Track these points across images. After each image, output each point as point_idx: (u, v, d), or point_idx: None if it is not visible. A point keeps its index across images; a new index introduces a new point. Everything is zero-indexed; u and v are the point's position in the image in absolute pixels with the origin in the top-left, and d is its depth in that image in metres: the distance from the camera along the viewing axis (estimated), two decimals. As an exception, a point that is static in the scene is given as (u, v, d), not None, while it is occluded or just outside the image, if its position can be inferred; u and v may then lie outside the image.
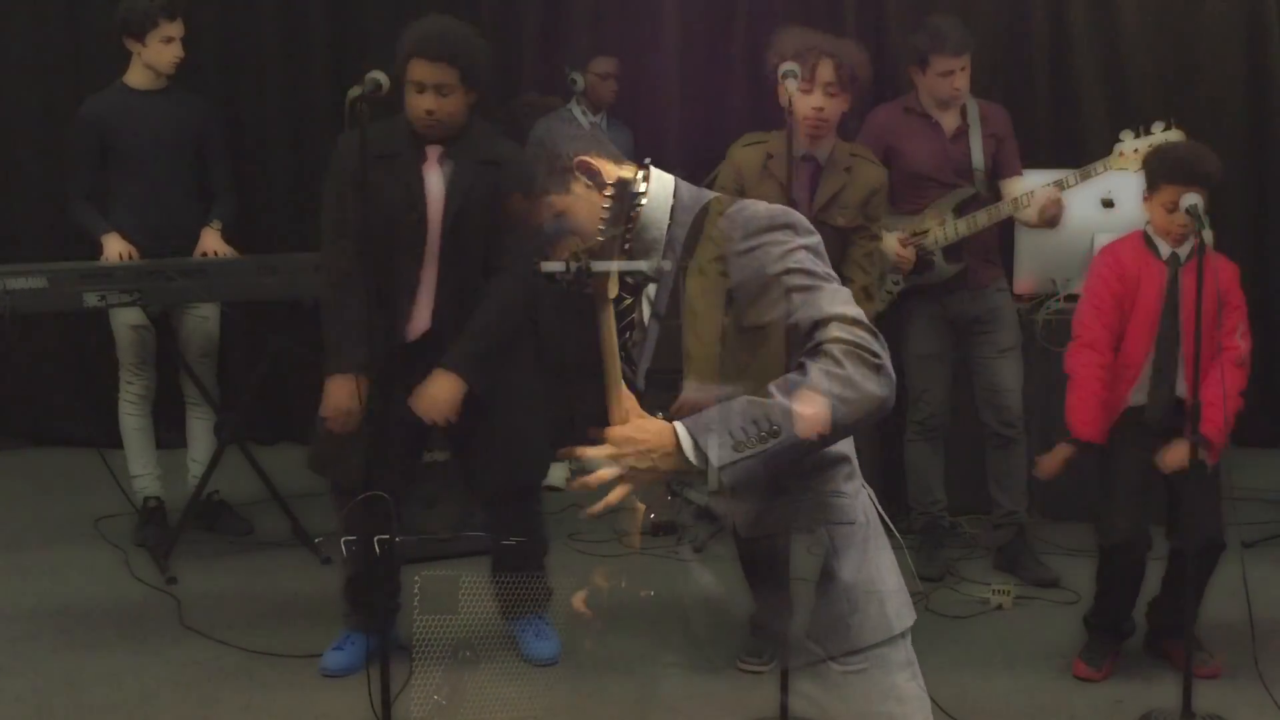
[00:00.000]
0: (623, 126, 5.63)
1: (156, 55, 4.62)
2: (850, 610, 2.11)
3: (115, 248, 4.57)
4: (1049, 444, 4.88)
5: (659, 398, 2.07)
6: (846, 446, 2.14)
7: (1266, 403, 5.76)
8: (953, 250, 4.41)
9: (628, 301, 2.15)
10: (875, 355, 1.94)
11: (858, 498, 2.16)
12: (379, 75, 3.28)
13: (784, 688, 2.84)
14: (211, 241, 4.71)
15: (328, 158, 3.77)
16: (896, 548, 2.20)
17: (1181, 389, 3.60)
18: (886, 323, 4.24)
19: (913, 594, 2.20)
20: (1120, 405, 3.69)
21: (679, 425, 1.94)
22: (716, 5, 5.97)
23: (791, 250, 2.02)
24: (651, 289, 2.15)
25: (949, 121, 4.48)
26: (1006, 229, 4.93)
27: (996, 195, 4.49)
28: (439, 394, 3.53)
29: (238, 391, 4.96)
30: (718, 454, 1.89)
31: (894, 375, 1.96)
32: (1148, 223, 3.70)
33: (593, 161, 2.14)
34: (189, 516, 4.73)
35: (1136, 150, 4.22)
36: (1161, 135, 4.17)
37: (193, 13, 5.11)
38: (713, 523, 2.10)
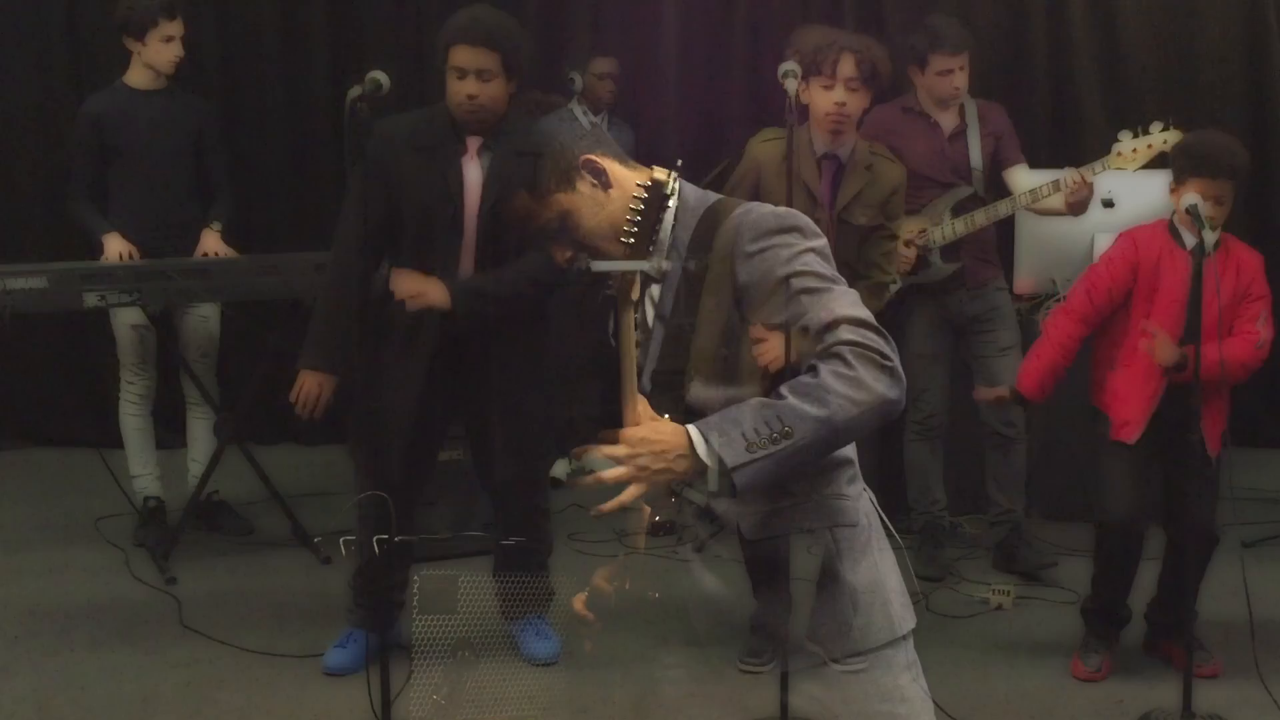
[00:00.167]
0: (624, 126, 5.63)
1: (156, 55, 4.62)
2: (855, 612, 2.11)
3: (115, 247, 4.57)
4: (1049, 444, 4.92)
5: (664, 399, 2.07)
6: (849, 449, 2.14)
7: (1266, 403, 5.76)
8: (949, 249, 4.42)
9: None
10: (886, 357, 1.95)
11: (860, 500, 2.17)
12: (379, 75, 3.28)
13: (784, 688, 2.85)
14: (212, 243, 4.72)
15: (328, 159, 3.77)
16: (896, 549, 2.21)
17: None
18: (885, 322, 4.23)
19: (911, 595, 2.21)
20: (1156, 396, 3.65)
21: (692, 427, 1.94)
22: (716, 5, 5.97)
23: (800, 253, 2.03)
24: (655, 290, 2.15)
25: (948, 121, 4.48)
26: (1006, 228, 4.93)
27: (995, 195, 4.49)
28: (423, 287, 3.54)
29: (238, 391, 4.96)
30: (731, 455, 1.89)
31: (904, 377, 1.97)
32: (1173, 214, 3.68)
33: (599, 161, 2.14)
34: (189, 516, 4.73)
35: (1135, 150, 4.22)
36: (1160, 135, 4.18)
37: (193, 13, 5.12)
38: (713, 523, 2.10)
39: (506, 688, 3.26)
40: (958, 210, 4.41)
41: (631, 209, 2.10)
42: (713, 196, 2.18)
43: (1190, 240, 3.62)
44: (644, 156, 2.28)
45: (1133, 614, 3.81)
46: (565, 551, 4.67)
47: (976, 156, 4.47)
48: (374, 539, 3.19)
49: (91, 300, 4.28)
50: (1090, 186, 4.26)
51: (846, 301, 2.00)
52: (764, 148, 3.91)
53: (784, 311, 2.01)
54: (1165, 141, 4.20)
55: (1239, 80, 5.80)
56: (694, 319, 2.10)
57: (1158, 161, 4.30)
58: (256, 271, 4.48)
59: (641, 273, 1.98)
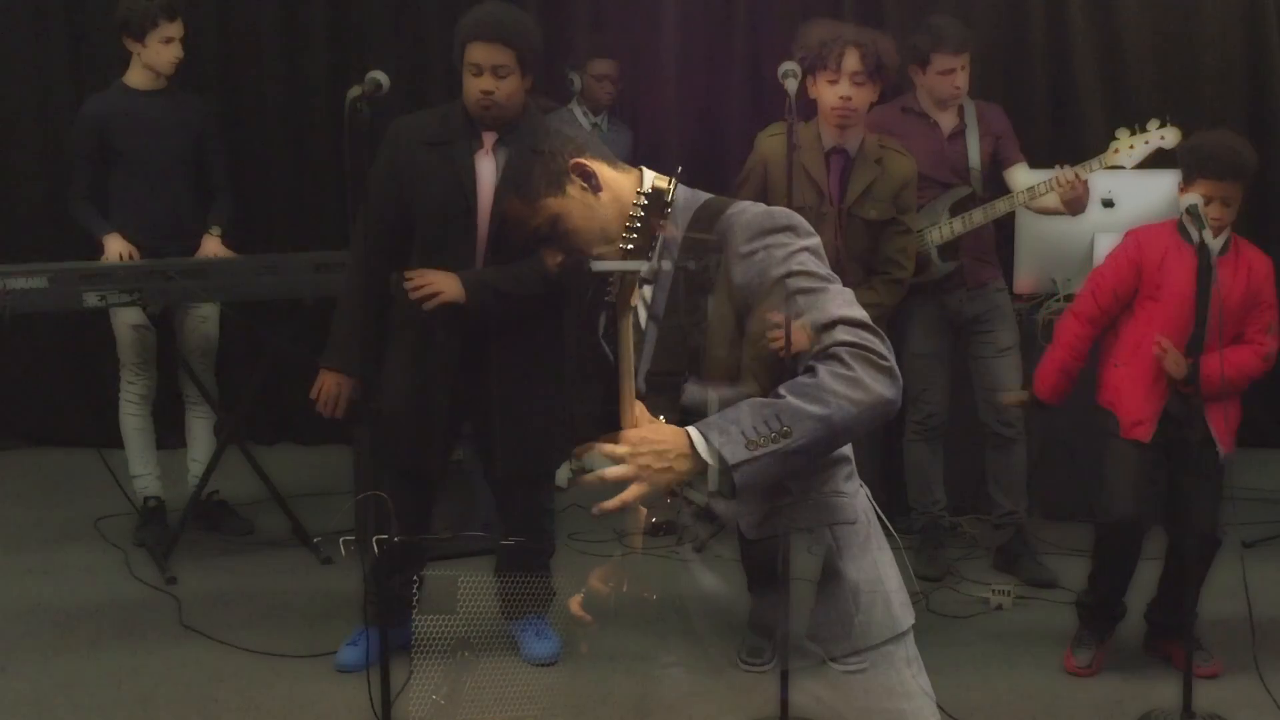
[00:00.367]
0: (623, 127, 5.63)
1: (156, 55, 4.62)
2: (856, 609, 2.12)
3: (115, 248, 4.57)
4: (1049, 444, 4.92)
5: (659, 400, 2.07)
6: (846, 447, 2.14)
7: (1266, 403, 5.76)
8: (948, 249, 4.42)
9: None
10: (883, 357, 1.96)
11: (857, 497, 2.18)
12: (379, 75, 3.28)
13: (784, 686, 2.85)
14: (212, 247, 4.72)
15: (328, 159, 3.78)
16: (894, 547, 2.21)
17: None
18: (885, 322, 4.24)
19: (911, 594, 2.21)
20: (1164, 395, 3.64)
21: (691, 427, 1.95)
22: (717, 5, 5.97)
23: (794, 252, 2.03)
24: (648, 291, 2.15)
25: (947, 121, 4.48)
26: (1006, 228, 4.93)
27: (993, 194, 4.48)
28: (438, 279, 3.55)
29: (238, 391, 4.96)
30: (732, 453, 1.90)
31: (901, 377, 1.98)
32: (1181, 213, 3.67)
33: (589, 164, 2.14)
34: (189, 516, 4.73)
35: (1132, 147, 4.22)
36: (1157, 133, 4.18)
37: (193, 13, 5.12)
38: (713, 522, 2.10)
39: (506, 688, 3.26)
40: (956, 210, 4.41)
41: (631, 215, 2.11)
42: (703, 196, 2.18)
43: (1197, 238, 3.61)
44: (644, 157, 2.28)
45: (1127, 610, 3.81)
46: (566, 551, 4.67)
47: (975, 156, 4.47)
48: (383, 538, 3.19)
49: (91, 300, 4.28)
50: (1085, 184, 4.26)
51: (842, 301, 2.01)
52: (770, 142, 3.92)
53: (780, 311, 2.02)
54: (1163, 139, 4.20)
55: (1239, 79, 5.80)
56: (688, 319, 2.10)
57: (1158, 161, 4.30)
58: (256, 271, 4.48)
59: (653, 270, 1.98)
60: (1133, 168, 4.30)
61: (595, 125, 5.45)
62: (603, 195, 2.14)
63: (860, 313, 2.00)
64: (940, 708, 2.89)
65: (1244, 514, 4.07)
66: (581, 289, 2.02)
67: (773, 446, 1.90)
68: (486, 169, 3.60)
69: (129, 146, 4.66)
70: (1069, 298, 4.87)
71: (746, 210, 2.09)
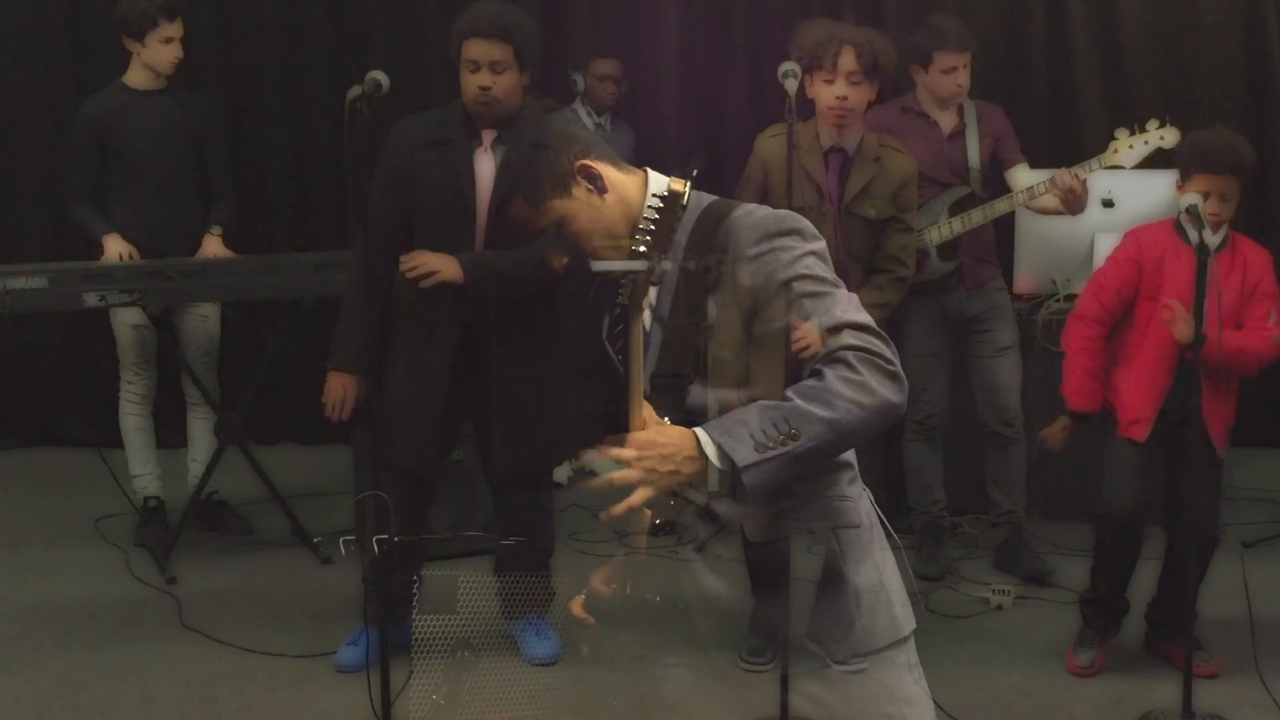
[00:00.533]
0: (626, 128, 5.63)
1: (155, 55, 4.62)
2: (858, 613, 2.12)
3: (115, 248, 4.57)
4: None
5: (663, 401, 2.07)
6: (849, 452, 2.14)
7: (1266, 403, 5.76)
8: (947, 248, 4.42)
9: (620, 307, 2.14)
10: (889, 361, 1.96)
11: (860, 501, 2.17)
12: (379, 75, 3.28)
13: (784, 688, 2.84)
14: (213, 247, 4.72)
15: (328, 159, 3.78)
16: (895, 550, 2.21)
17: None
18: (887, 322, 4.24)
19: (911, 595, 2.21)
20: (1163, 393, 3.65)
21: (700, 430, 1.95)
22: (718, 5, 5.97)
23: (801, 256, 2.04)
24: (652, 292, 2.15)
25: (946, 121, 4.48)
26: (1006, 228, 4.93)
27: (993, 194, 4.49)
28: (437, 261, 3.55)
29: (238, 391, 4.96)
30: (741, 456, 1.90)
31: (906, 381, 1.98)
32: (1180, 212, 3.67)
33: (594, 165, 2.14)
34: (189, 516, 4.73)
35: (1131, 147, 4.22)
36: (1156, 133, 4.18)
37: (193, 13, 5.12)
38: (713, 523, 2.10)
39: (506, 687, 3.26)
40: (955, 210, 4.41)
41: (645, 217, 2.10)
42: (708, 198, 2.18)
43: (1196, 237, 3.61)
44: (645, 157, 2.28)
45: (1130, 606, 3.81)
46: (566, 551, 4.67)
47: (974, 156, 4.47)
48: (383, 538, 3.19)
49: (91, 300, 4.28)
50: (1084, 184, 4.26)
51: (848, 305, 2.02)
52: (769, 143, 3.93)
53: (785, 315, 2.02)
54: (1162, 139, 4.20)
55: (1239, 79, 5.79)
56: (693, 321, 2.10)
57: (1158, 161, 4.30)
58: (256, 271, 4.48)
59: (652, 270, 1.98)
60: (1132, 168, 4.30)
61: (598, 126, 5.45)
62: (608, 197, 2.14)
63: (865, 317, 2.01)
64: (940, 707, 2.89)
65: (1244, 514, 4.08)
66: (582, 288, 2.02)
67: (781, 450, 1.90)
68: (485, 167, 3.60)
69: (129, 146, 4.66)
70: (1069, 298, 4.87)
71: (753, 213, 2.09)
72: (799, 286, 2.01)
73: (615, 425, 1.96)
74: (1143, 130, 4.21)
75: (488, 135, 3.61)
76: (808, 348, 2.05)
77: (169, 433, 5.15)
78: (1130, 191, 4.80)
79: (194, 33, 4.92)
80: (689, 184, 2.16)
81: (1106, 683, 3.71)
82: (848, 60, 3.81)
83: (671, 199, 2.13)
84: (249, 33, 6.17)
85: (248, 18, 6.16)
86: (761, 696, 3.30)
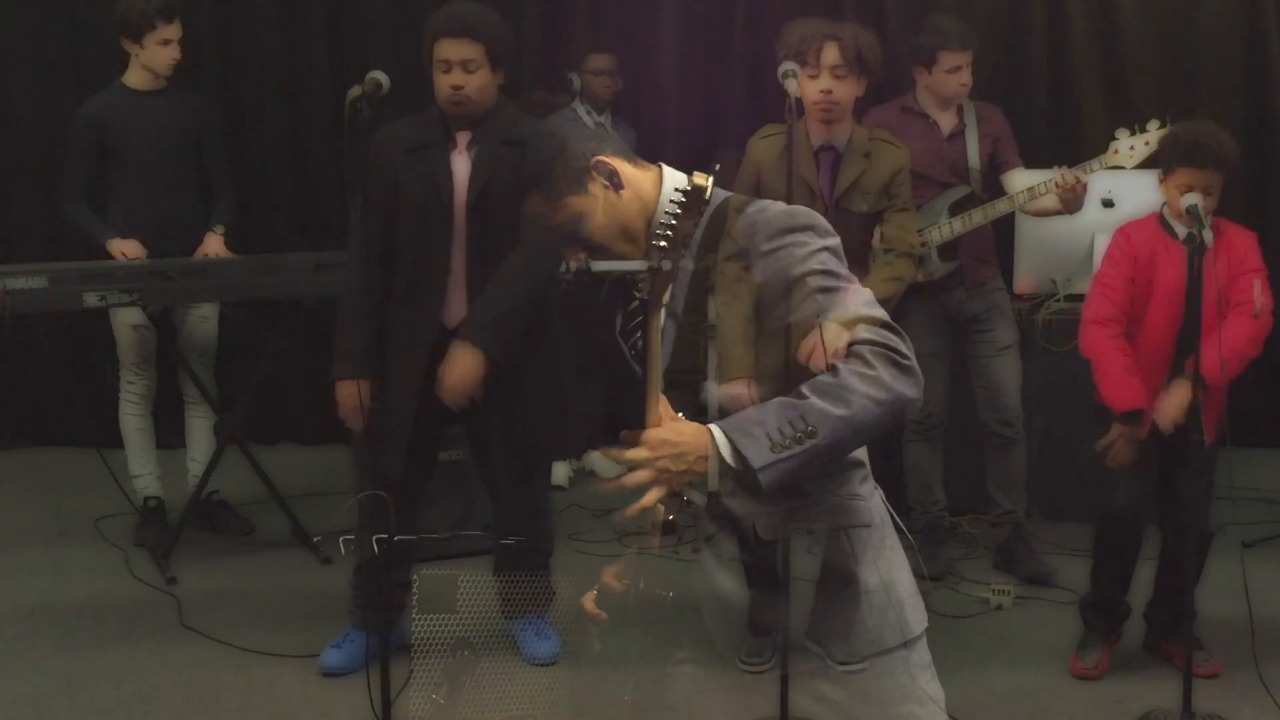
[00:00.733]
0: (626, 126, 5.63)
1: (153, 57, 4.62)
2: (870, 613, 2.11)
3: (122, 249, 4.56)
4: (1049, 444, 4.92)
5: (677, 398, 2.07)
6: (861, 450, 2.14)
7: (1266, 403, 5.76)
8: (947, 248, 4.42)
9: (638, 302, 2.13)
10: (904, 356, 1.96)
11: (872, 500, 2.17)
12: (379, 75, 3.29)
13: (784, 688, 2.84)
14: (214, 246, 4.72)
15: (328, 159, 3.78)
16: (906, 547, 2.21)
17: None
18: (894, 302, 4.23)
19: (920, 591, 2.21)
20: (1158, 391, 3.63)
21: (714, 427, 1.94)
22: (717, 3, 5.97)
23: (815, 252, 2.03)
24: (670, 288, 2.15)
25: (946, 121, 4.48)
26: (1006, 228, 4.93)
27: (992, 194, 4.49)
28: (459, 371, 3.52)
29: (238, 391, 4.96)
30: (757, 455, 1.89)
31: (921, 376, 1.97)
32: (1164, 205, 3.67)
33: (610, 161, 2.14)
34: (189, 516, 4.73)
35: (1132, 148, 4.22)
36: (1157, 133, 4.17)
37: (193, 13, 5.12)
38: (714, 522, 2.10)
39: (506, 687, 3.26)
40: (955, 210, 4.42)
41: (666, 213, 2.09)
42: (722, 193, 2.18)
43: (1182, 231, 3.61)
44: (646, 156, 2.27)
45: (1132, 610, 3.81)
46: (566, 551, 4.67)
47: (974, 156, 4.47)
48: (373, 538, 3.19)
49: (91, 300, 4.29)
50: (1084, 184, 4.26)
51: (863, 300, 2.01)
52: (761, 145, 3.93)
53: (799, 311, 2.01)
54: (1162, 140, 4.20)
55: (1239, 79, 5.80)
56: (693, 321, 2.09)
57: (1158, 161, 4.30)
58: (256, 271, 4.48)
59: (652, 270, 1.97)
60: (1133, 168, 4.30)
61: (599, 124, 5.44)
62: (624, 193, 2.14)
63: (880, 312, 2.00)
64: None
65: (1244, 514, 4.08)
66: (608, 288, 2.01)
67: (797, 448, 1.90)
68: (461, 168, 3.60)
69: (128, 146, 4.66)
70: (1069, 298, 4.88)
71: (768, 209, 2.09)
72: (812, 282, 2.01)
73: (628, 422, 1.95)
74: (1143, 130, 4.21)
75: (463, 137, 3.61)
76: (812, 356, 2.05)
77: (169, 433, 5.15)
78: (1130, 191, 4.80)
79: (194, 33, 4.92)
80: (710, 179, 2.16)
81: (1106, 683, 3.71)
82: (831, 55, 3.81)
83: (695, 194, 2.12)
84: (249, 33, 6.17)
85: (248, 18, 6.16)
86: (761, 696, 3.30)
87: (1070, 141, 5.63)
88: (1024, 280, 5.13)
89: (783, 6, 5.72)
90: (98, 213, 4.69)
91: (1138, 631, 3.87)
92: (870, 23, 5.84)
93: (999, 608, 4.22)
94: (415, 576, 3.25)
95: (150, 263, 4.49)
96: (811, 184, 3.92)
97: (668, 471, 1.92)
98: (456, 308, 3.63)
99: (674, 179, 2.18)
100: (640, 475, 1.92)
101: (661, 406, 1.98)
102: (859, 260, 3.97)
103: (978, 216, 4.39)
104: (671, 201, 2.11)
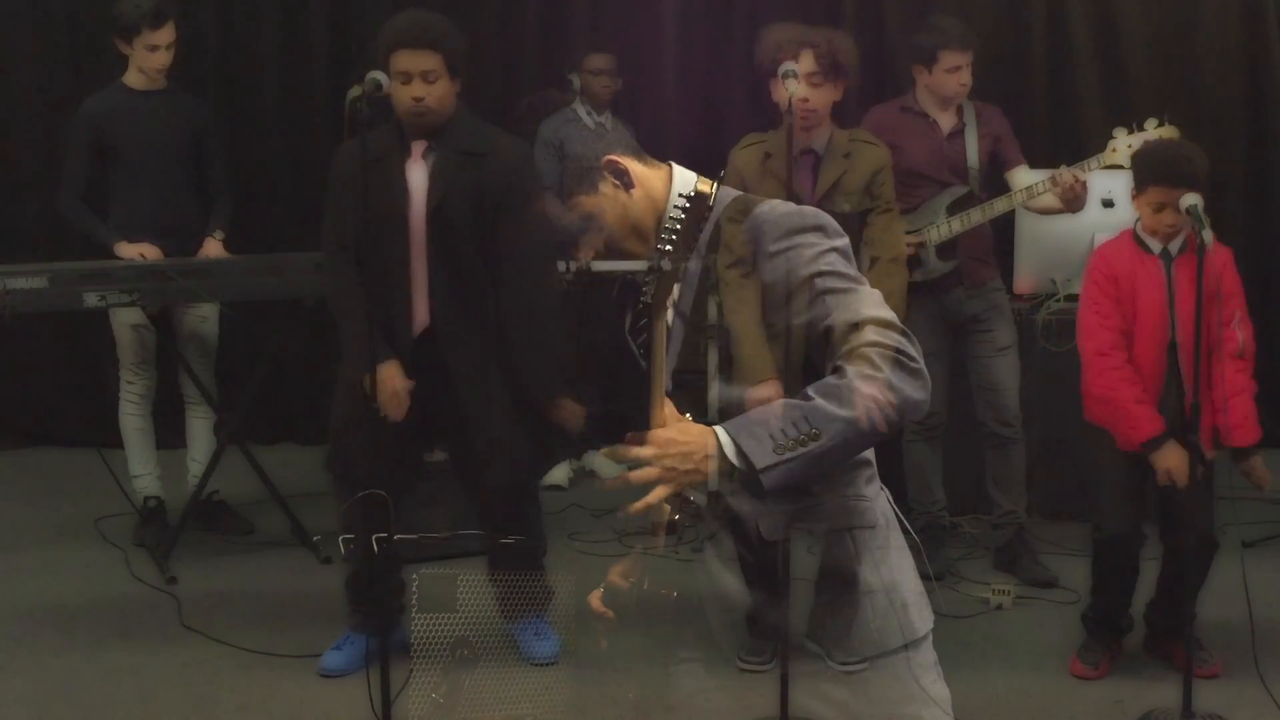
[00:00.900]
0: (627, 125, 5.62)
1: (143, 61, 4.63)
2: (872, 614, 2.11)
3: (129, 252, 4.56)
4: (1049, 444, 4.92)
5: (685, 397, 2.07)
6: (867, 450, 2.14)
7: (1266, 403, 5.75)
8: (945, 248, 4.42)
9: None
10: (911, 358, 1.95)
11: (878, 500, 2.17)
12: (379, 75, 3.29)
13: (784, 687, 2.84)
14: (213, 250, 4.72)
15: (328, 159, 3.78)
16: (912, 547, 2.21)
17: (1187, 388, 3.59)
18: (898, 310, 4.23)
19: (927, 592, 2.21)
20: (1153, 404, 3.61)
21: (719, 428, 1.94)
22: (717, 3, 5.97)
23: (823, 252, 2.03)
24: (676, 289, 2.15)
25: (946, 121, 4.48)
26: (1005, 229, 4.93)
27: (992, 194, 4.49)
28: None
29: (238, 391, 4.96)
30: (760, 457, 1.89)
31: (929, 378, 1.96)
32: (1137, 221, 3.69)
33: (621, 161, 2.15)
34: (189, 516, 4.73)
35: (1130, 146, 4.22)
36: (1155, 132, 4.18)
37: (193, 13, 5.12)
38: (714, 522, 2.10)
39: (506, 687, 3.26)
40: (954, 209, 4.42)
41: (671, 216, 2.09)
42: (732, 193, 2.18)
43: (1156, 246, 3.64)
44: (649, 153, 2.28)
45: (1134, 623, 3.82)
46: (565, 551, 4.67)
47: (974, 156, 4.48)
48: (360, 541, 3.19)
49: (91, 300, 4.29)
50: (1084, 183, 4.26)
51: (871, 302, 2.00)
52: (742, 155, 3.95)
53: (807, 312, 2.01)
54: (1161, 138, 4.20)
55: (1239, 79, 5.80)
56: (694, 321, 2.09)
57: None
58: (256, 271, 4.48)
59: (660, 269, 1.96)
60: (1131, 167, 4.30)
61: (599, 124, 5.45)
62: (635, 192, 2.15)
63: (888, 313, 1.99)
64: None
65: (1244, 514, 4.08)
66: (623, 288, 2.02)
67: (801, 450, 1.89)
68: (417, 175, 3.59)
69: (126, 146, 4.66)
70: (1070, 298, 4.88)
71: (776, 209, 2.09)
72: (821, 283, 2.00)
73: (634, 421, 1.95)
74: (1141, 129, 4.22)
75: (418, 146, 3.60)
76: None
77: (169, 433, 5.15)
78: (1130, 191, 4.80)
79: (194, 33, 4.93)
80: (715, 184, 2.16)
81: (1106, 683, 3.71)
82: (807, 62, 3.82)
83: (698, 199, 2.12)
84: (249, 33, 6.17)
85: (248, 18, 6.16)
86: (761, 696, 3.30)
87: (1070, 141, 5.63)
88: (1024, 280, 5.13)
89: (782, 6, 5.72)
90: (97, 212, 4.69)
91: (1138, 631, 3.87)
92: (870, 23, 5.87)
93: (999, 608, 4.22)
94: (415, 576, 3.26)
95: (150, 263, 4.49)
96: (793, 189, 3.90)
97: (673, 471, 1.92)
98: (420, 316, 3.63)
99: (683, 177, 2.19)
100: (646, 473, 1.92)
101: (667, 408, 1.98)
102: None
103: (976, 216, 4.39)
104: (675, 206, 2.11)
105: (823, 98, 3.86)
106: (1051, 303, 4.98)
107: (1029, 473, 4.67)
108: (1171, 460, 3.50)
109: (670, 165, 2.20)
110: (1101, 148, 4.35)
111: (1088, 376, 3.68)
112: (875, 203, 3.95)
